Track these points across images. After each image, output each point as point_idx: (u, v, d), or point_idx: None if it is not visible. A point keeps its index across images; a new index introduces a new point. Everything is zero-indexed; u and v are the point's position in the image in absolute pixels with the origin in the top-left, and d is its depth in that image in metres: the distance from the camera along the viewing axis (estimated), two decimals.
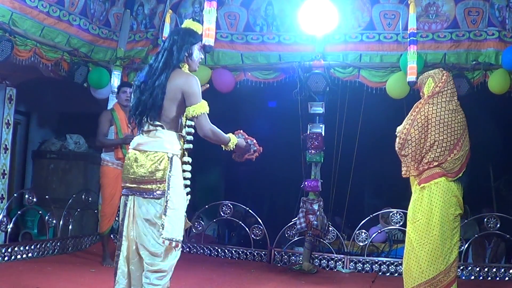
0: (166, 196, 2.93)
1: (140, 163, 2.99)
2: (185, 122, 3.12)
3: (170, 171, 2.95)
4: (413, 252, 3.80)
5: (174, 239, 2.92)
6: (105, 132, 5.53)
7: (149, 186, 2.97)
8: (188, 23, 3.21)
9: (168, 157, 2.98)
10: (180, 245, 2.96)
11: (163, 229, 2.89)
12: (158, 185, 2.96)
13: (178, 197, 2.99)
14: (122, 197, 3.11)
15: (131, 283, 3.04)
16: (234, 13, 6.46)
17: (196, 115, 2.97)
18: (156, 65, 3.04)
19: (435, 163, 3.81)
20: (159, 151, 2.99)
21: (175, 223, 2.94)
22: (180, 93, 2.98)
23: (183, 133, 3.12)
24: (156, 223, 2.95)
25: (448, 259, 3.77)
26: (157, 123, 3.01)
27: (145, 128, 3.04)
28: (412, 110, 4.00)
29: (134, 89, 3.13)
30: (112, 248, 5.80)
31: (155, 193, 2.96)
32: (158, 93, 2.96)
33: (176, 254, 3.00)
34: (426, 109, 3.88)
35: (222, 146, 3.17)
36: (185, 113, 3.04)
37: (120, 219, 3.09)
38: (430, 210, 3.77)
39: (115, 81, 6.58)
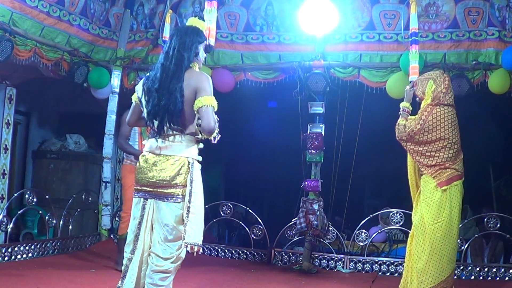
0: (188, 201, 2.92)
1: (160, 167, 2.98)
2: (196, 119, 3.07)
3: (191, 176, 2.95)
4: (435, 252, 3.93)
5: (196, 244, 2.92)
6: (126, 134, 5.11)
7: (169, 191, 2.96)
8: (193, 21, 3.19)
9: (189, 162, 2.98)
10: (201, 249, 2.97)
11: (185, 233, 2.89)
12: (179, 189, 2.95)
13: (199, 202, 2.99)
14: (137, 199, 3.09)
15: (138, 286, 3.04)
16: (234, 13, 6.46)
17: (205, 104, 2.90)
18: (168, 65, 2.99)
19: (448, 164, 3.98)
20: (180, 155, 2.98)
21: (197, 227, 2.95)
22: (194, 91, 2.95)
23: (199, 135, 3.09)
24: (174, 230, 2.94)
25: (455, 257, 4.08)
26: (178, 127, 2.98)
27: (165, 132, 3.00)
28: (422, 111, 4.10)
29: (148, 92, 3.03)
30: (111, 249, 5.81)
31: (175, 198, 2.95)
32: (178, 97, 2.93)
33: (182, 256, 3.01)
34: (437, 111, 4.01)
35: (212, 137, 3.04)
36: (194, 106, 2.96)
37: (136, 222, 3.05)
38: (451, 211, 3.96)
39: (115, 81, 6.58)
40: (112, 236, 6.67)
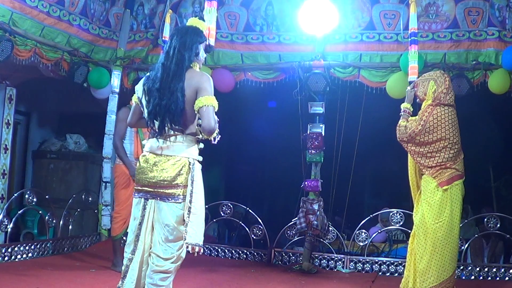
0: (189, 201, 2.92)
1: (161, 167, 2.98)
2: (197, 120, 3.06)
3: (192, 176, 2.96)
4: (436, 252, 3.94)
5: (197, 244, 2.92)
6: (122, 133, 4.99)
7: (170, 191, 2.96)
8: (194, 21, 3.19)
9: (190, 162, 2.98)
10: (202, 249, 2.97)
11: (186, 234, 2.90)
12: (180, 189, 2.95)
13: (200, 202, 2.99)
14: (137, 199, 3.08)
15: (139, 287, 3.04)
16: (234, 13, 6.46)
17: (206, 104, 2.89)
18: (169, 65, 2.99)
19: (449, 164, 3.98)
20: (181, 156, 2.98)
21: (197, 228, 2.95)
22: (195, 91, 2.95)
23: (200, 135, 3.08)
24: (175, 230, 2.94)
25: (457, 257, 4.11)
26: (179, 127, 2.98)
27: (165, 132, 2.99)
28: (422, 111, 4.10)
29: (149, 92, 3.02)
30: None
31: (176, 198, 2.96)
32: (179, 97, 2.92)
33: (182, 256, 3.01)
34: (438, 112, 4.01)
35: (212, 137, 3.03)
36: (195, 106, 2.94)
37: (137, 222, 3.05)
38: (452, 211, 3.96)
39: (115, 81, 6.58)
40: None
